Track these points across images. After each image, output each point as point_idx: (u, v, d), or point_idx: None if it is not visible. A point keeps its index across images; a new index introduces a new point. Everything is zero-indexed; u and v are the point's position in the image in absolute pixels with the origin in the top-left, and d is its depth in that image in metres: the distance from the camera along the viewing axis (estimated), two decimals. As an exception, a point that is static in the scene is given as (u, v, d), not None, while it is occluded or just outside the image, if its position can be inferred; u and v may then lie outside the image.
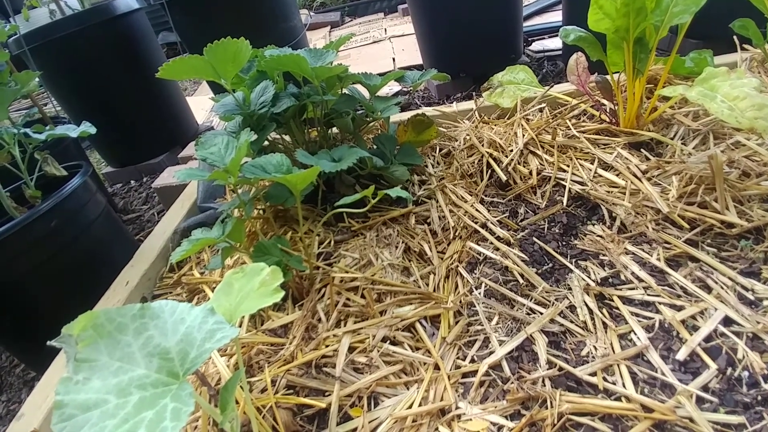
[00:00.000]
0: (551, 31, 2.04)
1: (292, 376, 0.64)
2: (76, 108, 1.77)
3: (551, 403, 0.55)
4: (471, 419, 0.56)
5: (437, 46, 1.71)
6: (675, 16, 0.78)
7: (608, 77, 0.96)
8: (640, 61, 0.87)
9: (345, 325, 0.70)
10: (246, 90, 0.92)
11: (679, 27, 0.83)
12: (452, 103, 1.32)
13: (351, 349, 0.66)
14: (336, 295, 0.75)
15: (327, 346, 0.67)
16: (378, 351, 0.66)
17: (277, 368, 0.65)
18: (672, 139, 0.90)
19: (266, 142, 0.98)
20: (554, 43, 1.90)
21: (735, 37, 0.97)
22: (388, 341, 0.67)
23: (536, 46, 1.95)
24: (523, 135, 1.00)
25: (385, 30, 3.02)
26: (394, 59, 2.33)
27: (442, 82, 1.73)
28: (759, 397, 0.49)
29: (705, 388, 0.52)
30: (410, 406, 0.58)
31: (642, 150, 0.90)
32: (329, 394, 0.61)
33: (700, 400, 0.51)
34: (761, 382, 0.51)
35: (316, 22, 3.67)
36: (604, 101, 1.03)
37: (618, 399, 0.54)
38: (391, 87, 1.99)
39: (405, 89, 1.96)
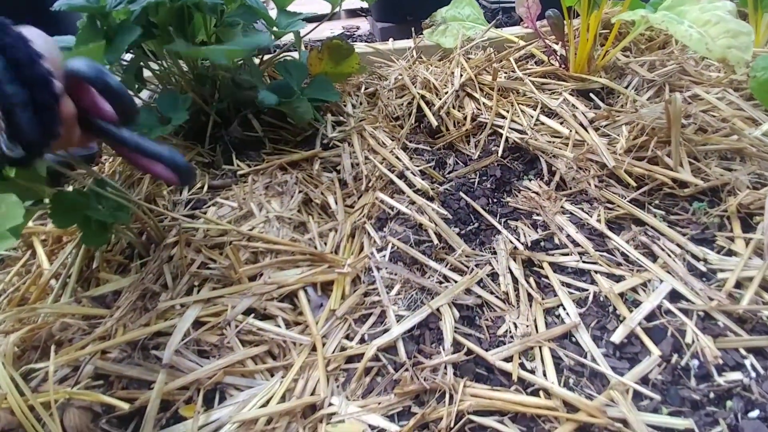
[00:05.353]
0: (510, -14, 1.88)
1: (104, 361, 0.45)
2: None
3: (451, 397, 0.41)
4: (343, 420, 0.41)
5: (383, -17, 1.49)
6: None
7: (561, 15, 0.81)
8: (599, -11, 0.72)
9: (198, 293, 0.52)
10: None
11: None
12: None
13: (199, 325, 0.49)
14: (195, 254, 0.56)
15: (166, 320, 0.49)
16: (236, 327, 0.48)
17: (84, 349, 0.46)
18: (626, 88, 0.78)
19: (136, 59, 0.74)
20: (512, -3, 1.74)
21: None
22: (253, 314, 0.50)
23: (493, -2, 1.78)
24: (461, 74, 0.84)
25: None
26: None
27: (386, 26, 1.53)
28: (711, 394, 0.38)
29: (644, 379, 0.40)
30: (266, 403, 0.42)
31: (591, 97, 0.78)
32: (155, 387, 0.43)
33: (637, 396, 0.39)
34: (714, 375, 0.39)
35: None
36: (556, 47, 0.89)
37: (536, 393, 0.41)
38: (333, 30, 1.75)
39: (348, 32, 1.73)
